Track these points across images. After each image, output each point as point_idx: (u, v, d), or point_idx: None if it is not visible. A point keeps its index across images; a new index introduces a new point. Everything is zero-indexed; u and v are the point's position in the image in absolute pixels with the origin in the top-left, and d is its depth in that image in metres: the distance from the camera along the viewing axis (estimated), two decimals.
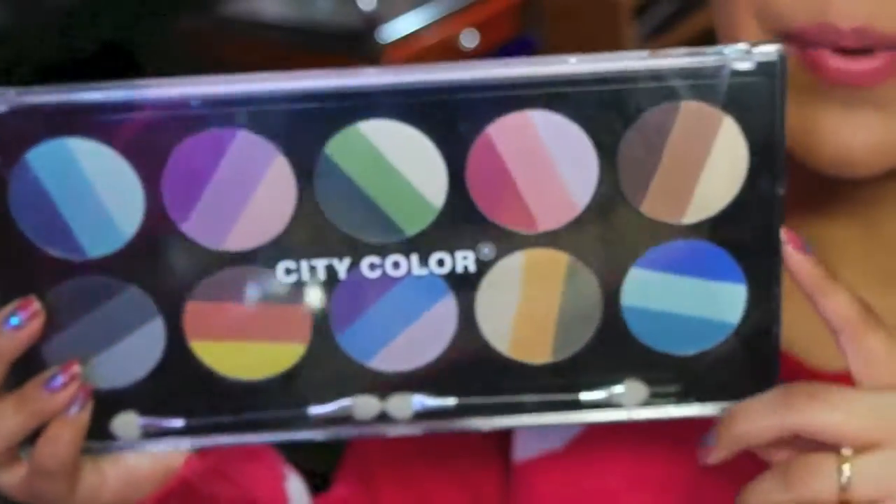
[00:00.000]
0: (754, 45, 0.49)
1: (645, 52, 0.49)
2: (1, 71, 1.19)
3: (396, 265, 0.52)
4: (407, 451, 0.69)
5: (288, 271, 0.52)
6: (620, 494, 0.63)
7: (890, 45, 0.52)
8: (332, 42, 1.82)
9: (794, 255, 0.50)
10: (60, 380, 0.53)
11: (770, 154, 0.49)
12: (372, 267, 0.52)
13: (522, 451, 0.66)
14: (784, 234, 0.50)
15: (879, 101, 0.54)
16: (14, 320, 0.52)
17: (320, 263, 0.52)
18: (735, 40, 0.57)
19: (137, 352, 0.53)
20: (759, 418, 0.49)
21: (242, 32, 1.88)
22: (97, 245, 0.51)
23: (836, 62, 0.53)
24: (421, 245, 0.51)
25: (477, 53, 1.95)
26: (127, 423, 0.55)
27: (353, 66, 0.50)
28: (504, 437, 0.68)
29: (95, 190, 0.50)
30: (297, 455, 0.66)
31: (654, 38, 2.15)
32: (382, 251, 0.51)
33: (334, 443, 0.67)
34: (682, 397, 0.54)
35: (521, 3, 2.03)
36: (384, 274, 0.52)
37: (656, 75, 0.49)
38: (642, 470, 0.62)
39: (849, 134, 0.54)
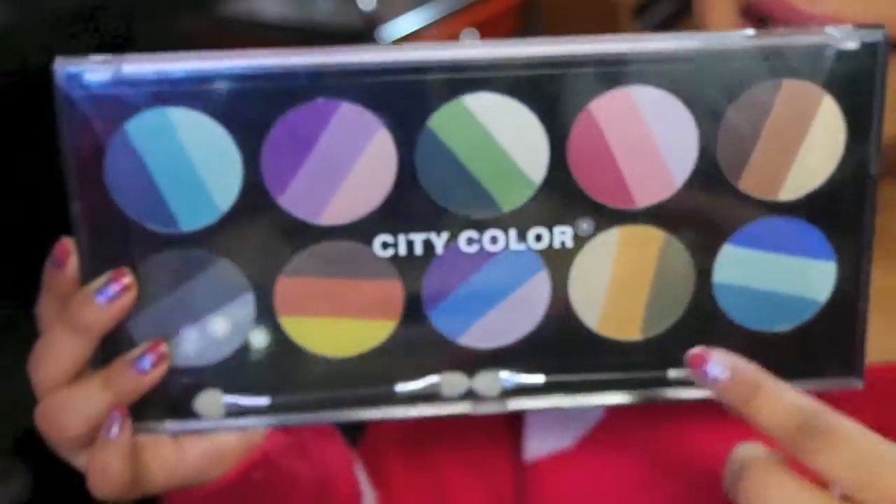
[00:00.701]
0: (860, 26, 0.49)
1: (750, 31, 0.49)
2: (1, 70, 1.19)
3: (494, 240, 0.51)
4: (422, 438, 0.69)
5: (385, 245, 0.51)
6: (632, 493, 0.63)
7: None
8: (332, 42, 1.82)
9: (706, 379, 0.49)
10: (148, 360, 0.52)
11: (867, 134, 0.50)
12: (469, 241, 0.52)
13: (533, 450, 0.66)
14: (687, 360, 0.50)
15: None
16: (107, 292, 0.51)
17: (418, 238, 0.51)
18: (704, 13, 0.58)
19: (226, 328, 0.53)
20: (773, 412, 0.47)
21: (242, 32, 1.88)
22: (191, 218, 0.51)
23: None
24: (519, 220, 0.51)
25: None
26: (211, 401, 0.54)
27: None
28: (516, 435, 0.68)
29: (193, 162, 0.50)
30: None
31: None
32: (481, 226, 0.51)
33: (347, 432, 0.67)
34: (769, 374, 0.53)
35: (521, 3, 2.03)
36: (481, 249, 0.52)
37: (760, 53, 0.49)
38: (654, 468, 0.62)
39: None
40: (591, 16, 2.10)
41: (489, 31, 1.96)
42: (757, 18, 0.55)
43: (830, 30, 0.49)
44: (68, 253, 0.52)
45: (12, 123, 1.38)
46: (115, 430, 0.52)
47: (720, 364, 0.49)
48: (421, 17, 1.86)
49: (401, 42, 1.82)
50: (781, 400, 0.47)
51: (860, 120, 0.50)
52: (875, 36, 0.49)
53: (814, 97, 0.49)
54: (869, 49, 0.49)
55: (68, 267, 0.51)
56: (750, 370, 0.49)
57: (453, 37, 1.91)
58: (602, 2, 2.09)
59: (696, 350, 0.50)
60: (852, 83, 0.49)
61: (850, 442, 0.45)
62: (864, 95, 0.49)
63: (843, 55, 0.49)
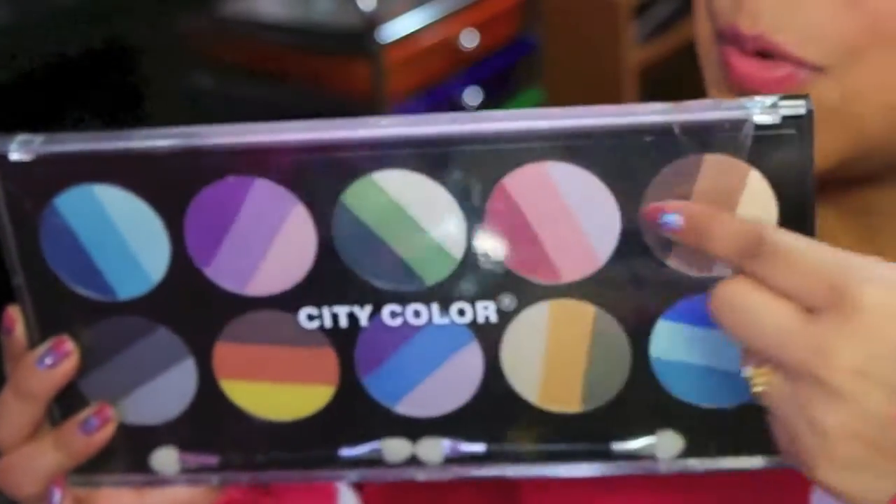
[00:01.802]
0: (781, 98, 0.48)
1: (667, 105, 0.48)
2: (1, 70, 1.19)
3: (417, 314, 0.51)
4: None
5: (310, 317, 0.52)
6: None
7: (786, 59, 0.53)
8: (331, 42, 1.82)
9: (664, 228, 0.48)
10: (94, 423, 0.54)
11: (800, 205, 0.48)
12: (393, 315, 0.51)
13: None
14: (644, 215, 0.49)
15: None
16: (47, 360, 0.53)
17: (342, 311, 0.51)
18: (695, 21, 0.58)
19: (171, 390, 0.54)
20: (727, 238, 0.47)
21: (242, 32, 1.88)
22: (127, 287, 0.52)
23: (742, 64, 0.54)
24: (441, 294, 0.51)
25: (477, 53, 1.95)
26: (166, 457, 0.55)
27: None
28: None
29: (122, 234, 0.51)
30: None
31: (654, 39, 2.16)
32: (402, 299, 0.51)
33: None
34: (721, 450, 0.53)
35: (521, 3, 2.03)
36: (405, 322, 0.51)
37: (678, 129, 0.47)
38: (646, 491, 0.62)
39: None
40: (590, 16, 2.10)
41: (489, 31, 1.96)
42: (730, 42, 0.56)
43: (749, 103, 0.47)
44: (14, 322, 0.53)
45: (12, 123, 1.38)
46: (56, 500, 0.55)
47: (674, 211, 0.48)
48: (421, 17, 1.86)
49: (400, 42, 1.82)
50: (732, 225, 0.47)
51: (791, 192, 0.48)
52: (797, 108, 0.47)
53: (739, 171, 0.48)
54: (791, 121, 0.47)
55: (15, 335, 0.54)
56: (700, 209, 0.48)
57: (453, 37, 1.91)
58: (602, 2, 2.09)
59: (651, 206, 0.49)
60: (777, 156, 0.47)
61: (802, 254, 0.46)
62: (793, 167, 0.48)
63: (763, 129, 0.47)
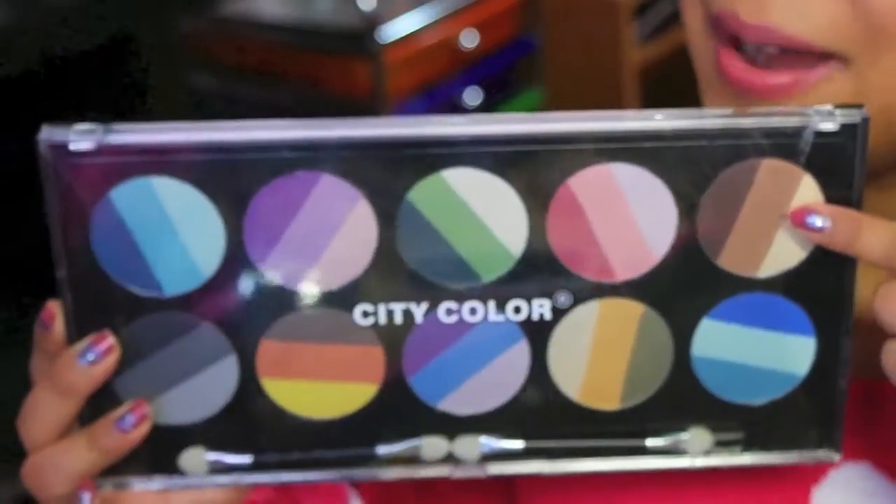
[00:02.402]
0: (838, 106, 0.50)
1: (729, 110, 0.50)
2: (1, 70, 1.19)
3: (473, 311, 0.52)
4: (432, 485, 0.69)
5: (365, 314, 0.52)
6: None
7: (786, 47, 0.53)
8: (332, 42, 1.82)
9: (814, 232, 0.50)
10: (131, 420, 0.53)
11: None
12: (449, 312, 0.52)
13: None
14: (790, 216, 0.51)
15: None
16: (89, 355, 0.51)
17: (398, 307, 0.52)
18: (683, 12, 0.58)
19: (210, 388, 0.53)
20: (879, 241, 0.49)
21: (242, 32, 1.88)
22: (175, 283, 0.51)
23: (741, 71, 0.54)
24: (498, 292, 0.51)
25: (476, 53, 1.96)
26: (195, 458, 0.54)
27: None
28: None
29: (177, 229, 0.50)
30: None
31: (654, 38, 2.16)
32: (460, 297, 0.52)
33: None
34: (747, 446, 0.54)
35: (521, 3, 2.03)
36: (460, 319, 0.52)
37: (739, 133, 0.49)
38: (636, 494, 0.62)
39: None
40: (590, 16, 2.10)
41: (489, 31, 1.96)
42: (726, 32, 0.56)
43: (809, 110, 0.49)
44: (53, 316, 0.52)
45: (12, 123, 1.38)
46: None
47: (820, 214, 0.50)
48: (421, 17, 1.86)
49: (400, 42, 1.82)
50: (883, 228, 0.49)
51: (841, 197, 0.50)
52: (854, 117, 0.49)
53: (793, 176, 0.50)
54: (848, 130, 0.49)
55: (54, 329, 0.52)
56: (846, 212, 0.50)
57: (453, 37, 1.91)
58: (602, 2, 2.09)
59: (796, 208, 0.50)
60: (832, 163, 0.50)
61: None
62: (844, 174, 0.50)
63: (822, 135, 0.49)
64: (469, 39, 1.93)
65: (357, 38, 1.79)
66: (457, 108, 1.95)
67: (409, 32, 1.83)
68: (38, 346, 0.54)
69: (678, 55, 0.65)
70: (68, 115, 1.30)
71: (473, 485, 0.67)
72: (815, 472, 0.58)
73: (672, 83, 2.20)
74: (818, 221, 0.50)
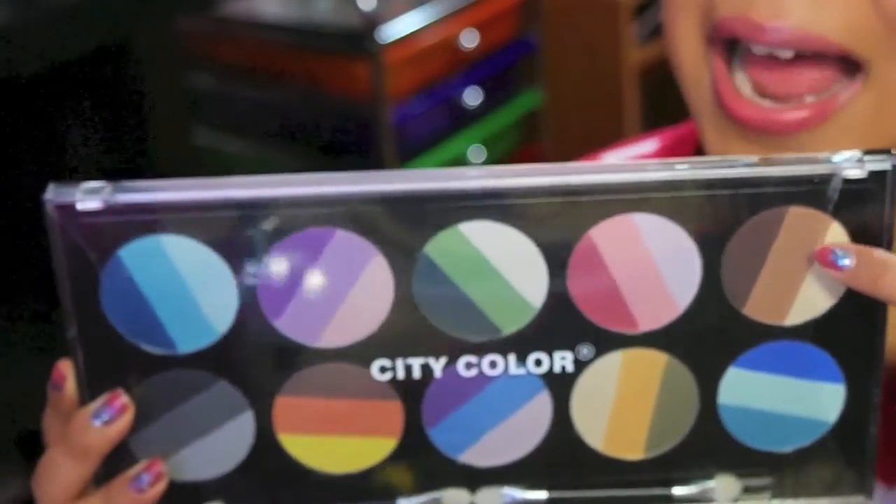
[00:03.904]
0: (866, 153, 0.49)
1: (754, 158, 0.49)
2: (1, 70, 1.19)
3: (493, 364, 0.51)
4: None
5: (383, 369, 0.51)
6: None
7: (803, 48, 0.53)
8: (332, 42, 1.82)
9: (840, 273, 0.50)
10: (146, 479, 0.52)
11: None
12: (468, 366, 0.51)
13: None
14: (815, 255, 0.50)
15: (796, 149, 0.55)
16: (103, 416, 0.51)
17: (416, 362, 0.51)
18: (674, 44, 0.58)
19: (226, 444, 0.53)
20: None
21: (242, 32, 1.88)
22: (189, 340, 0.51)
23: (755, 111, 0.54)
24: (519, 344, 0.51)
25: (477, 53, 1.95)
26: None
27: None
28: None
29: (189, 286, 0.50)
30: None
31: (653, 39, 2.16)
32: (479, 350, 0.51)
33: None
34: (776, 493, 0.54)
35: (521, 4, 2.03)
36: (480, 373, 0.51)
37: (765, 181, 0.49)
38: None
39: None
40: (590, 16, 2.10)
41: (489, 31, 1.96)
42: (724, 41, 0.55)
43: (836, 157, 0.49)
44: (65, 377, 0.52)
45: (11, 123, 1.38)
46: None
47: (846, 254, 0.49)
48: (420, 17, 1.86)
49: (400, 42, 1.82)
50: None
51: (869, 243, 0.49)
52: (883, 163, 0.48)
53: (821, 223, 0.49)
54: (877, 176, 0.49)
55: (66, 390, 0.52)
56: (872, 251, 0.49)
57: (453, 37, 1.91)
58: (602, 2, 2.09)
59: (820, 248, 0.50)
60: (860, 209, 0.49)
61: None
62: (873, 220, 0.49)
63: (850, 182, 0.49)
64: (469, 39, 1.93)
65: (357, 38, 1.79)
66: (457, 107, 1.95)
67: (409, 32, 1.83)
68: (51, 407, 0.53)
69: None
70: (68, 115, 1.29)
71: None
72: None
73: (672, 83, 2.20)
74: (842, 260, 0.49)
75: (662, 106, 2.28)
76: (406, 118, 1.85)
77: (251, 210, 0.49)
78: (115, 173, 1.36)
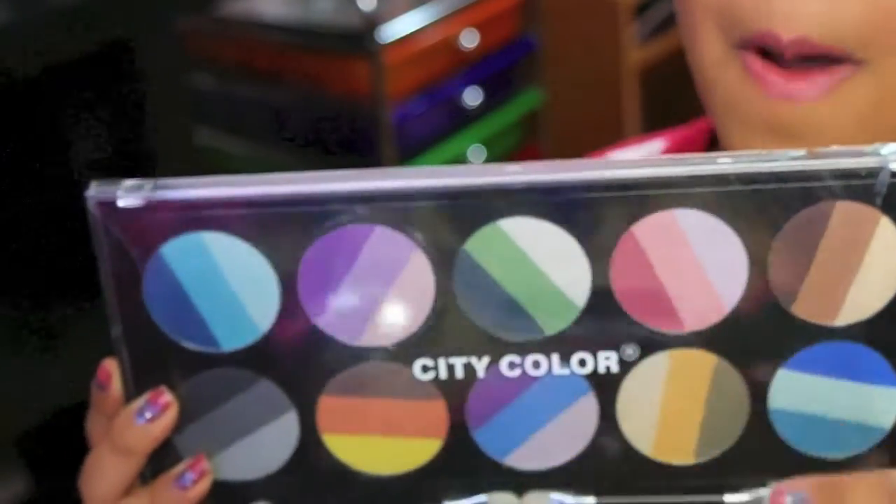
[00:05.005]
0: None
1: (801, 152, 0.47)
2: (1, 70, 1.19)
3: (536, 364, 0.50)
4: None
5: (425, 369, 0.51)
6: None
7: (824, 58, 0.54)
8: (332, 42, 1.82)
9: None
10: (190, 477, 0.52)
11: None
12: (511, 366, 0.50)
13: None
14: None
15: (810, 135, 0.55)
16: (147, 413, 0.51)
17: (458, 361, 0.50)
18: (695, 47, 0.58)
19: (270, 444, 0.52)
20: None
21: (242, 32, 1.88)
22: (232, 338, 0.50)
23: (777, 79, 0.54)
24: (562, 344, 0.50)
25: (477, 53, 1.95)
26: None
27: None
28: None
29: (231, 284, 0.49)
30: None
31: (654, 38, 2.16)
32: (522, 350, 0.50)
33: None
34: None
35: (521, 3, 2.03)
36: (523, 373, 0.50)
37: (810, 176, 0.47)
38: None
39: None
40: (590, 16, 2.10)
41: (489, 31, 1.96)
42: (758, 48, 0.56)
43: (884, 150, 0.47)
44: (110, 375, 0.52)
45: (11, 123, 1.38)
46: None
47: (795, 492, 0.50)
48: (421, 17, 1.86)
49: (400, 42, 1.82)
50: (863, 491, 0.48)
51: None
52: None
53: (870, 219, 0.48)
54: None
55: (111, 389, 0.52)
56: (823, 482, 0.49)
57: (453, 37, 1.91)
58: (602, 2, 2.09)
59: (771, 493, 0.50)
60: None
61: None
62: None
63: None
64: (469, 39, 1.93)
65: (357, 38, 1.79)
66: (457, 107, 1.95)
67: (409, 32, 1.83)
68: (95, 407, 0.53)
69: (678, 55, 0.65)
70: (68, 115, 1.30)
71: None
72: None
73: (672, 83, 2.20)
74: (792, 499, 0.50)
75: (662, 106, 2.28)
76: (406, 118, 1.85)
77: (292, 207, 0.48)
78: (115, 173, 1.36)
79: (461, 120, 1.95)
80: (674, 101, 2.03)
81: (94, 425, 0.53)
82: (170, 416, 0.51)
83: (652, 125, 0.86)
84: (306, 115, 1.87)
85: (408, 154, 1.86)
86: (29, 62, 1.21)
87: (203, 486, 0.52)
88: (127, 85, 1.32)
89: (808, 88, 0.54)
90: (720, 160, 0.48)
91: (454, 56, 1.92)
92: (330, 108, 1.84)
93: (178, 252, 0.49)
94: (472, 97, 1.96)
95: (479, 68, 1.97)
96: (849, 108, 0.55)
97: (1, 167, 1.40)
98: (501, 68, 2.01)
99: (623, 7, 2.08)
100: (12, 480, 1.50)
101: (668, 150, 0.73)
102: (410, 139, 1.86)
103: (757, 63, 0.55)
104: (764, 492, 0.52)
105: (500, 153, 2.02)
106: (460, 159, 1.93)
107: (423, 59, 1.87)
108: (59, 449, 1.51)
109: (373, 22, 1.78)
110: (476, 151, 1.97)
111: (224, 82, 1.90)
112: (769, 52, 0.55)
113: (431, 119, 1.91)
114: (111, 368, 0.52)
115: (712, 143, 0.69)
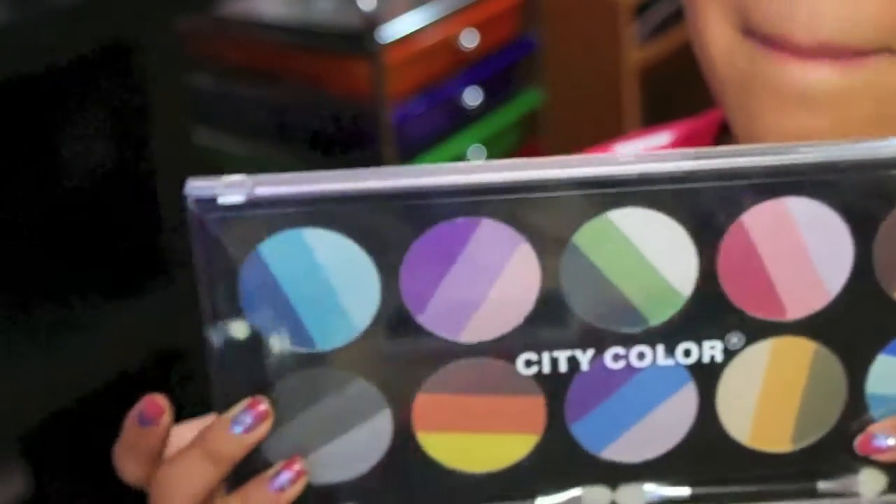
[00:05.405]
0: None
1: None
2: (1, 70, 1.19)
3: (641, 356, 0.50)
4: None
5: (528, 363, 0.50)
6: None
7: (844, 54, 0.54)
8: (332, 42, 1.82)
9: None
10: (286, 477, 0.51)
11: None
12: (616, 358, 0.50)
13: None
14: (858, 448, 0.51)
15: (829, 108, 0.55)
16: (244, 422, 0.50)
17: (562, 355, 0.50)
18: (702, 37, 0.58)
19: (363, 445, 0.51)
20: None
21: (242, 32, 1.88)
22: (328, 337, 0.49)
23: (802, 70, 0.54)
24: (668, 334, 0.49)
25: (477, 53, 1.95)
26: None
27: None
28: None
29: (330, 281, 0.48)
30: None
31: (654, 38, 2.16)
32: (627, 341, 0.50)
33: None
34: None
35: (521, 3, 2.03)
36: (627, 364, 0.50)
37: None
38: None
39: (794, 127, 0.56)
40: (590, 16, 2.10)
41: (489, 31, 1.96)
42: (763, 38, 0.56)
43: None
44: (163, 411, 0.50)
45: (11, 123, 1.38)
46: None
47: (883, 433, 0.50)
48: (421, 17, 1.86)
49: (400, 42, 1.82)
50: None
51: None
52: None
53: None
54: None
55: (160, 426, 0.50)
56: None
57: (453, 37, 1.91)
58: (602, 2, 2.09)
59: (859, 438, 0.50)
60: None
61: None
62: None
63: None
64: (469, 39, 1.93)
65: (357, 38, 1.79)
66: (457, 107, 1.95)
67: (409, 32, 1.83)
68: (134, 443, 0.51)
69: (678, 55, 0.65)
70: (68, 114, 1.29)
71: None
72: None
73: (672, 83, 2.20)
74: (883, 441, 0.50)
75: (662, 106, 2.28)
76: (406, 118, 1.85)
77: (396, 201, 0.48)
78: (115, 173, 1.36)
79: (461, 120, 1.95)
80: (674, 101, 2.03)
81: (128, 462, 0.52)
82: (265, 426, 0.50)
83: (652, 125, 0.86)
84: (306, 115, 1.87)
85: (408, 154, 1.86)
86: (29, 62, 1.21)
87: (298, 488, 0.51)
88: (127, 85, 1.32)
89: (832, 73, 0.54)
90: (829, 147, 0.47)
91: (454, 56, 1.92)
92: (330, 108, 1.84)
93: (277, 250, 0.48)
94: (472, 97, 1.96)
95: (479, 68, 1.97)
96: (873, 85, 0.55)
97: (0, 167, 1.40)
98: (501, 68, 2.01)
99: (623, 7, 2.08)
100: (12, 480, 1.50)
101: (675, 144, 0.73)
102: (410, 139, 1.86)
103: (771, 53, 0.55)
104: (857, 478, 0.52)
105: (500, 153, 2.02)
106: (460, 159, 1.93)
107: (423, 59, 1.87)
108: (59, 449, 1.51)
109: (373, 22, 1.78)
110: (476, 151, 1.97)
111: (224, 82, 1.90)
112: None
113: (431, 119, 1.91)
114: (163, 404, 0.50)
115: (721, 134, 0.69)
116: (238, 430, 0.50)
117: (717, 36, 0.57)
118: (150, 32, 1.30)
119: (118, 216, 1.36)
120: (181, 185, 0.48)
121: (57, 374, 1.27)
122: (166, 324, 1.32)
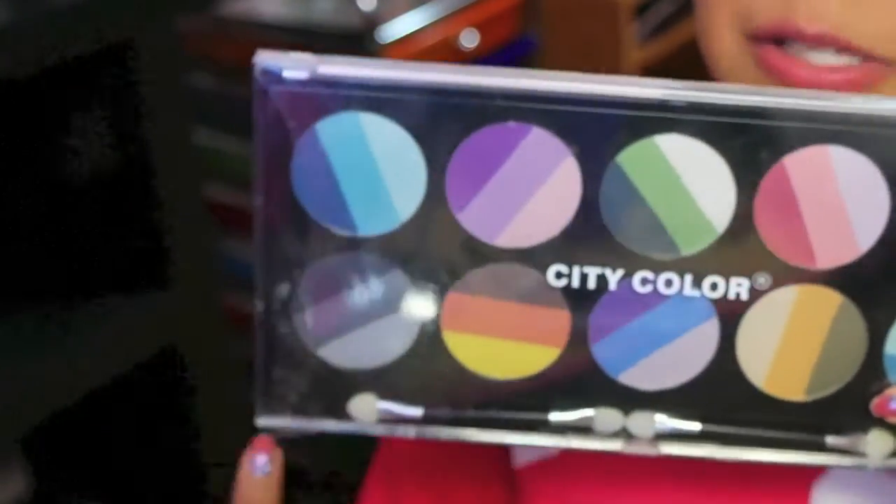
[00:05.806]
0: None
1: None
2: (1, 70, 1.19)
3: (669, 283, 0.51)
4: (429, 455, 0.70)
5: (559, 275, 0.51)
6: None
7: (852, 54, 0.53)
8: (331, 42, 1.82)
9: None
10: (263, 460, 0.54)
11: None
12: (644, 282, 0.51)
13: (521, 456, 0.66)
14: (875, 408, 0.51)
15: None
16: (261, 466, 0.54)
17: (593, 271, 0.51)
18: (709, 39, 0.58)
19: (388, 336, 0.52)
20: None
21: (242, 32, 1.88)
22: (371, 223, 0.50)
23: (804, 71, 0.54)
24: (697, 266, 0.50)
25: (477, 53, 1.95)
26: (366, 404, 0.53)
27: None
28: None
29: (379, 168, 0.49)
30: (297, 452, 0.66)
31: (654, 38, 2.16)
32: (657, 267, 0.50)
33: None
34: None
35: (521, 3, 2.03)
36: (655, 290, 0.51)
37: None
38: (633, 487, 0.62)
39: None
40: (590, 16, 2.10)
41: (489, 31, 1.96)
42: (773, 40, 0.55)
43: None
44: (273, 446, 0.55)
45: (10, 123, 1.38)
46: (261, 463, 0.54)
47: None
48: (421, 17, 1.86)
49: (400, 42, 1.82)
50: None
51: None
52: None
53: None
54: None
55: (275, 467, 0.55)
56: None
57: (453, 37, 1.91)
58: (602, 2, 2.09)
59: (876, 399, 0.50)
60: None
61: None
62: None
63: None
64: (469, 39, 1.93)
65: (357, 38, 1.79)
66: None
67: (409, 32, 1.83)
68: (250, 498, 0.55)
69: (678, 55, 0.65)
70: (67, 114, 1.29)
71: (474, 474, 0.67)
72: (816, 469, 0.58)
73: None
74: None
75: None
76: None
77: (455, 97, 0.48)
78: (115, 173, 1.36)
79: None
80: None
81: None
82: (279, 454, 0.54)
83: None
84: None
85: None
86: (29, 62, 1.21)
87: (279, 465, 0.54)
88: (126, 84, 1.32)
89: (842, 79, 0.54)
90: (885, 102, 0.48)
91: (454, 56, 1.92)
92: None
93: (333, 130, 0.49)
94: None
95: None
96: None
97: (0, 167, 1.40)
98: None
99: (623, 7, 2.08)
100: (12, 480, 1.50)
101: None
102: None
103: (774, 54, 0.55)
104: (865, 437, 0.52)
105: None
106: None
107: (423, 59, 1.87)
108: (59, 449, 1.51)
109: (373, 22, 1.78)
110: None
111: (224, 82, 1.90)
112: (786, 42, 0.55)
113: None
114: (271, 449, 0.55)
115: None
116: (260, 473, 0.53)
117: (725, 43, 0.57)
118: (149, 32, 1.30)
119: (117, 216, 1.36)
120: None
121: (57, 374, 1.27)
122: (166, 324, 1.32)
